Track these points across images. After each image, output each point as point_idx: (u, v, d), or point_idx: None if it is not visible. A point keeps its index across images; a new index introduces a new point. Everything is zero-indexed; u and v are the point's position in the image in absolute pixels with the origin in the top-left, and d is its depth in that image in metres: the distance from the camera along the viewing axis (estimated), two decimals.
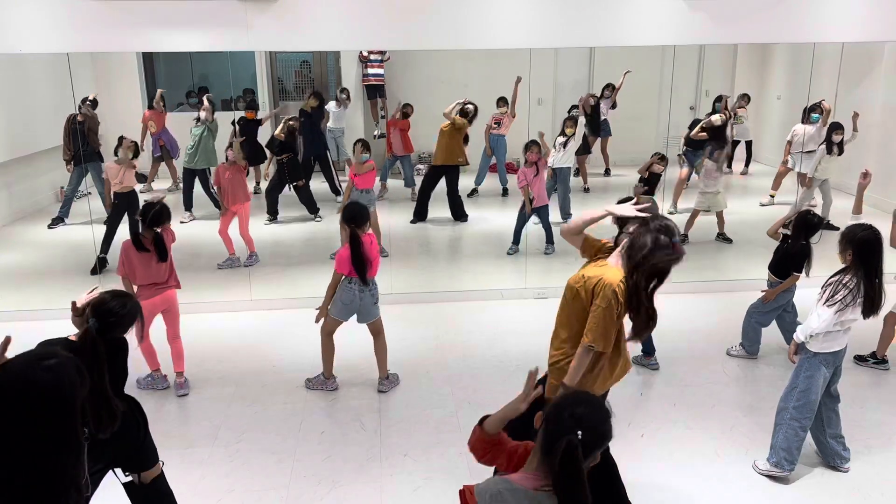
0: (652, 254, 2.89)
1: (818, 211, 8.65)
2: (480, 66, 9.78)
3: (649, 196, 6.57)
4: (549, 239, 7.85)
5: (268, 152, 9.12)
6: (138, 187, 7.61)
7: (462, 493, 2.12)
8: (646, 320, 2.99)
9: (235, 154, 7.30)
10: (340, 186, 9.34)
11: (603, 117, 10.08)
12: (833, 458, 4.10)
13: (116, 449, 3.01)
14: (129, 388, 4.90)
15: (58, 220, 8.42)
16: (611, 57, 10.07)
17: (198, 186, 8.82)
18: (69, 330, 3.05)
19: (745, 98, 10.15)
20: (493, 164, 9.92)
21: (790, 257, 5.15)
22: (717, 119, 8.95)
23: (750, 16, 6.20)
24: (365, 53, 9.64)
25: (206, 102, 8.65)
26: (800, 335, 3.87)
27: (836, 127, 8.21)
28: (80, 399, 1.98)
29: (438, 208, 9.07)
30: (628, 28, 6.23)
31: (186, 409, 4.87)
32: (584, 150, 9.76)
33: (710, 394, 4.99)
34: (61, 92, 7.01)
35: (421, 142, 9.76)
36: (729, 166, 10.56)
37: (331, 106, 9.89)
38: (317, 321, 4.95)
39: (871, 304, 3.76)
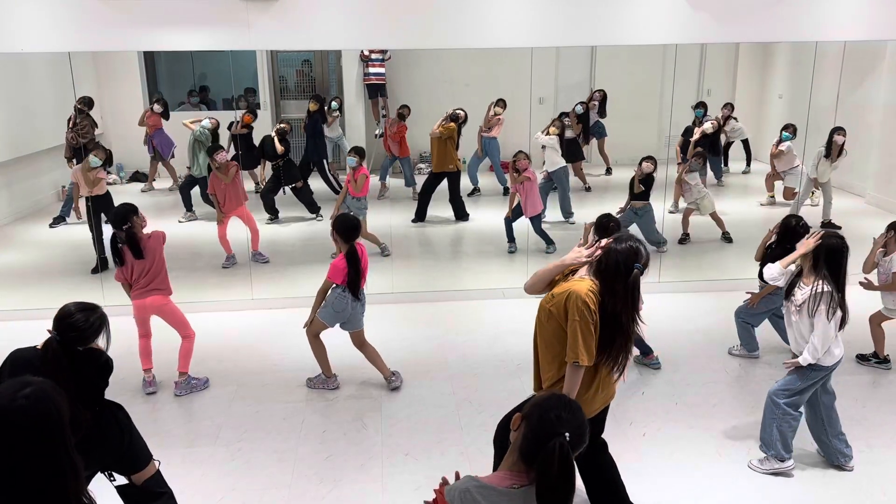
0: (616, 277, 2.98)
1: (818, 210, 8.68)
2: (482, 65, 9.78)
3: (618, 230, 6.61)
4: (548, 240, 7.85)
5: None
6: (137, 187, 7.59)
7: (435, 500, 2.18)
8: (623, 343, 3.05)
9: (220, 168, 7.25)
10: (340, 185, 9.32)
11: (593, 121, 10.16)
12: (837, 456, 4.10)
13: (101, 456, 3.01)
14: (134, 392, 4.95)
15: (59, 220, 8.43)
16: (612, 56, 10.08)
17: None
18: None
19: (729, 107, 10.30)
20: (489, 167, 9.95)
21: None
22: (708, 127, 9.29)
23: (751, 15, 6.20)
24: (366, 52, 9.62)
25: (206, 121, 8.69)
26: (808, 358, 3.83)
27: (838, 130, 8.20)
28: (66, 416, 2.00)
29: (439, 208, 9.07)
30: (630, 27, 6.23)
31: (188, 408, 4.88)
32: (577, 156, 9.83)
33: (712, 393, 4.99)
34: (63, 91, 7.01)
35: (421, 141, 9.75)
36: (725, 164, 10.63)
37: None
38: (304, 327, 4.96)
39: (842, 319, 3.80)
